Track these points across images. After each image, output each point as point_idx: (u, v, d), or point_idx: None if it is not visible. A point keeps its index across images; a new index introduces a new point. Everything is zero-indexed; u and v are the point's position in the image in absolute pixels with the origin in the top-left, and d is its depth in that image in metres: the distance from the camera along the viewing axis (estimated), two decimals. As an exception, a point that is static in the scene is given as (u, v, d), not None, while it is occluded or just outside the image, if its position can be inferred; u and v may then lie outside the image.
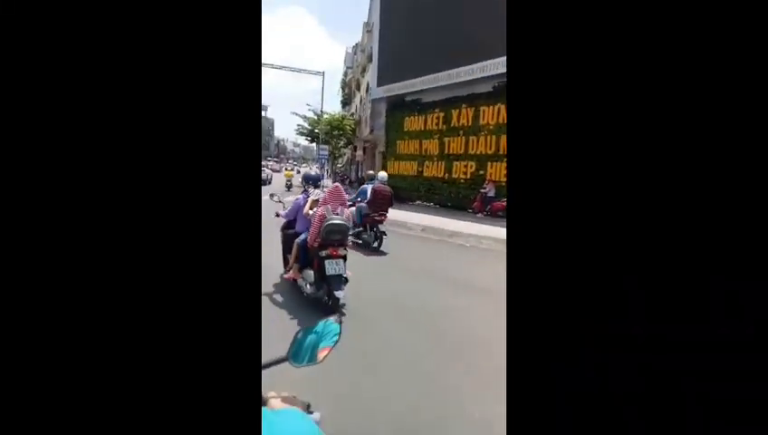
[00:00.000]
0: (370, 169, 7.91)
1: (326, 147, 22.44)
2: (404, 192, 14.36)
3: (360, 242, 6.33)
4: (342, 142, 24.40)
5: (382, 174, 6.80)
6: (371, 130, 18.13)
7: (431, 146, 13.37)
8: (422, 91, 13.51)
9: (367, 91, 20.08)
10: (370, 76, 18.01)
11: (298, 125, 25.07)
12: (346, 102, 31.07)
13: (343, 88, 32.11)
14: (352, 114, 25.91)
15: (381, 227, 6.18)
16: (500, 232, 7.87)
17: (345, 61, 31.62)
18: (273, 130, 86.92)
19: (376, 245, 6.15)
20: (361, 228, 6.31)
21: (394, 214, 9.93)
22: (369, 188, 6.33)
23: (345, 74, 31.77)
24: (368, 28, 20.92)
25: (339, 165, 28.16)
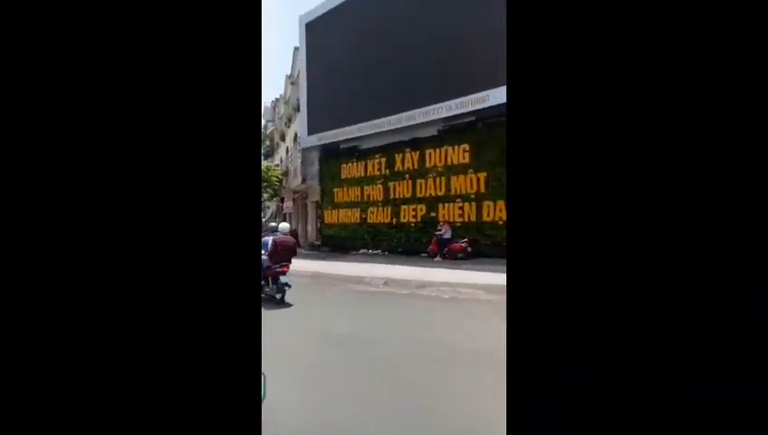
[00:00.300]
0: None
1: (250, 201, 20.82)
2: (347, 242, 13.52)
3: (264, 296, 5.91)
4: (267, 195, 22.99)
5: (284, 225, 6.61)
6: (303, 180, 17.27)
7: (374, 192, 12.92)
8: (360, 137, 13.23)
9: (295, 140, 19.38)
10: (298, 126, 17.45)
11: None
12: (268, 154, 30.23)
13: (264, 141, 31.35)
14: (277, 165, 24.87)
15: (284, 279, 5.87)
16: (475, 277, 7.33)
17: (265, 115, 31.09)
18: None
19: (279, 297, 5.89)
20: (263, 282, 5.94)
21: (344, 268, 9.16)
22: (269, 240, 6.00)
23: (265, 128, 31.20)
24: (291, 80, 20.71)
25: (264, 219, 26.42)
